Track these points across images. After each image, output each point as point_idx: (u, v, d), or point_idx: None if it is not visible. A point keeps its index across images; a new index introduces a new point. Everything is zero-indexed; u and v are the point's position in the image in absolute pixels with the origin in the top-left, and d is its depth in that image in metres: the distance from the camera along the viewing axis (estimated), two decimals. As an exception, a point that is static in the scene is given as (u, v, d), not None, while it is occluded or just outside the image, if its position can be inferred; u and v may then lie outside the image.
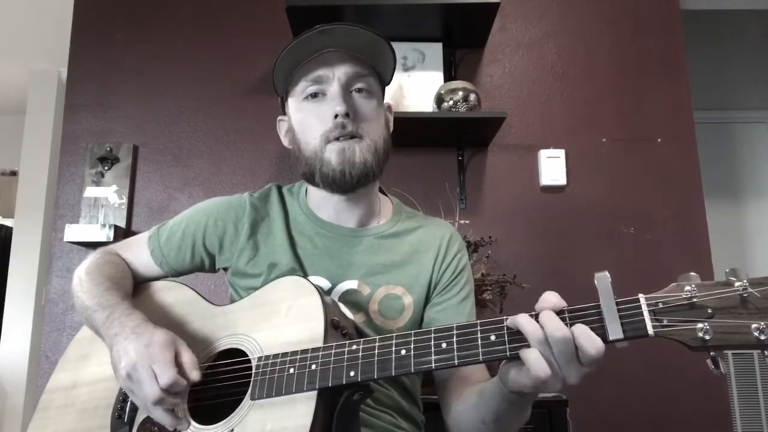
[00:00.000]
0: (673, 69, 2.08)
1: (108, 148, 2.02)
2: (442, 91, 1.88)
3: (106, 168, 2.00)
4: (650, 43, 2.10)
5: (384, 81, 0.99)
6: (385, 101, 1.02)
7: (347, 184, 0.91)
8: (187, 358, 0.77)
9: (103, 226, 1.90)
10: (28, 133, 3.63)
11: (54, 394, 0.93)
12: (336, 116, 0.89)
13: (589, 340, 0.61)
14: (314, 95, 0.93)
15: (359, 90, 0.92)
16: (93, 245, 1.91)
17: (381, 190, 1.06)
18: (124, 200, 1.98)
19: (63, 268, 1.96)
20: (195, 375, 0.76)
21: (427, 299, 0.97)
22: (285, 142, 1.02)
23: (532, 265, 1.91)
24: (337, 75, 0.91)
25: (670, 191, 1.99)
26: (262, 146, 2.02)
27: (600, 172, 2.01)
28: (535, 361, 0.62)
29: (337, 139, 0.90)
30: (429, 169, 2.00)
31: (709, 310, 0.59)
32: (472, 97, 1.85)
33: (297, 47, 0.90)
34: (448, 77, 2.02)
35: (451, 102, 1.85)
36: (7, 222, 3.96)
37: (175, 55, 2.09)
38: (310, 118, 0.93)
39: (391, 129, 1.03)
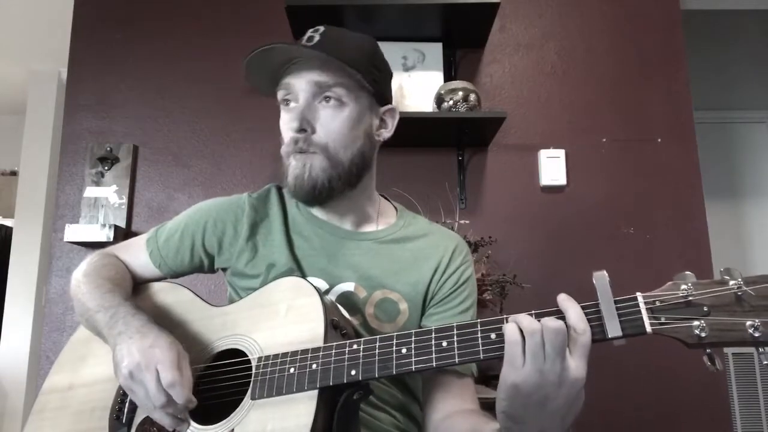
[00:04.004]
0: (673, 69, 2.08)
1: (108, 148, 2.02)
2: (442, 91, 1.88)
3: (106, 168, 2.00)
4: (650, 43, 2.10)
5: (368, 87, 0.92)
6: (388, 105, 0.97)
7: (301, 198, 0.92)
8: (186, 368, 0.77)
9: (103, 226, 1.90)
10: (28, 133, 3.64)
11: (50, 396, 0.92)
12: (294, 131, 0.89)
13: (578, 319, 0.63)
14: (287, 102, 0.93)
15: (327, 99, 0.89)
16: (93, 245, 1.91)
17: (383, 195, 1.06)
18: (124, 200, 1.98)
19: (63, 268, 1.96)
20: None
21: (424, 308, 0.96)
22: None
23: (532, 265, 1.91)
24: (301, 86, 0.89)
25: (670, 191, 1.99)
26: (262, 146, 2.02)
27: (600, 172, 2.01)
28: (510, 331, 0.64)
29: (295, 152, 0.90)
30: (429, 169, 2.00)
31: (705, 308, 0.61)
32: (472, 97, 1.85)
33: (259, 61, 0.88)
34: (448, 77, 2.02)
35: (451, 102, 1.85)
36: (7, 222, 3.96)
37: (175, 55, 2.09)
38: (282, 126, 0.94)
39: (385, 135, 0.99)
